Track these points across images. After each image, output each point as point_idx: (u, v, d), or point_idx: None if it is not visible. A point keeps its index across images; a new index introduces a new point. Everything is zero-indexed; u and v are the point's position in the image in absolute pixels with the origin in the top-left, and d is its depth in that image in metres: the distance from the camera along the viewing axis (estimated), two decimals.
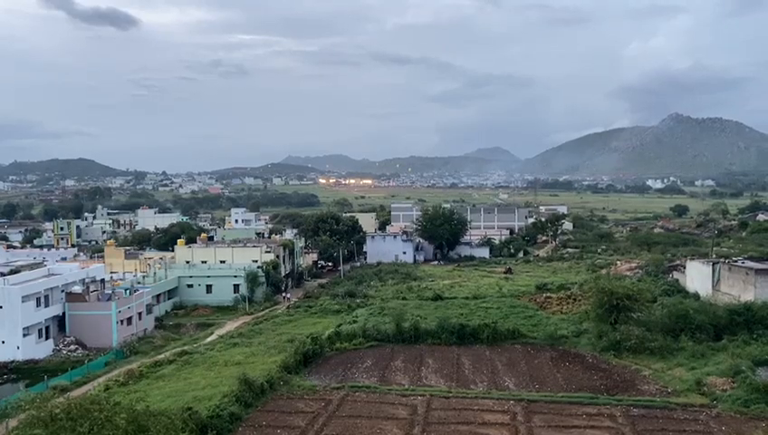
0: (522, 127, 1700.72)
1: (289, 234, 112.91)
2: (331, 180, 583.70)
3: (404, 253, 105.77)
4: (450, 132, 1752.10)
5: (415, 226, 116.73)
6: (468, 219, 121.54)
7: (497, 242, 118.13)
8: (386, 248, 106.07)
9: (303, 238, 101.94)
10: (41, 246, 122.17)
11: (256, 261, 77.26)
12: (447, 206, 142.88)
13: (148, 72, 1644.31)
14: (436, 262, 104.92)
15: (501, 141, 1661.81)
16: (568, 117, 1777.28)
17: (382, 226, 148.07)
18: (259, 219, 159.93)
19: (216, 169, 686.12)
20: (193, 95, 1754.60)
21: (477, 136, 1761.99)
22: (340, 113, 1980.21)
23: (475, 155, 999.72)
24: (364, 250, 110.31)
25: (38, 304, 53.61)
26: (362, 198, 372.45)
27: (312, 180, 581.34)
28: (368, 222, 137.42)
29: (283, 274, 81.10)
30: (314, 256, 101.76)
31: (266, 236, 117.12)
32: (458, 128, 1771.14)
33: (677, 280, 60.54)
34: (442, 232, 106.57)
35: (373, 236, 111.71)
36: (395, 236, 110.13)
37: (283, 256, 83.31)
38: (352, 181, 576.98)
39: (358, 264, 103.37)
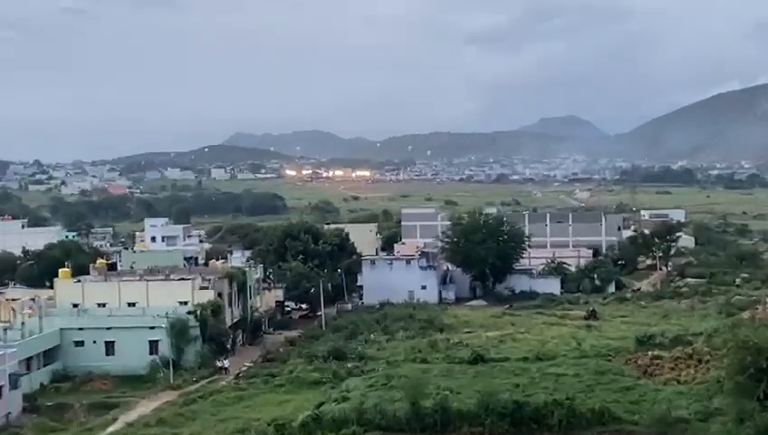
0: (612, 85, 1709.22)
1: (238, 258, 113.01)
2: (304, 171, 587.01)
3: (423, 287, 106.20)
4: (496, 94, 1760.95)
5: (440, 244, 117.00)
6: (526, 233, 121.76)
7: (573, 269, 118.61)
8: (394, 280, 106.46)
9: (262, 266, 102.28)
10: None
11: (186, 303, 77.39)
12: (493, 211, 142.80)
13: (15, 2, 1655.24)
14: (474, 301, 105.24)
15: (578, 108, 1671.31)
16: (686, 68, 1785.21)
17: (388, 243, 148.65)
18: (190, 235, 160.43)
19: (121, 155, 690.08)
20: (82, 39, 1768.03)
21: (541, 99, 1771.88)
22: (318, 66, 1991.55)
23: (536, 129, 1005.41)
24: (359, 283, 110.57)
25: None
26: (355, 199, 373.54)
27: (274, 172, 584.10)
28: (364, 238, 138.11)
29: (228, 322, 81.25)
30: (279, 294, 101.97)
31: (201, 262, 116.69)
32: (509, 87, 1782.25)
33: None
34: (484, 253, 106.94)
35: (373, 262, 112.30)
36: (408, 261, 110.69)
37: (230, 295, 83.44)
38: (339, 173, 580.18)
39: (349, 305, 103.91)
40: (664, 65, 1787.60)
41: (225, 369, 70.69)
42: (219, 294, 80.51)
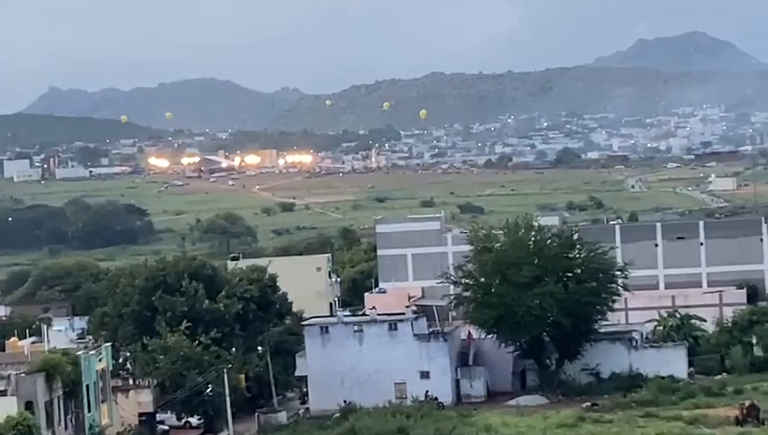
0: None
1: (63, 332, 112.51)
2: (186, 160, 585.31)
3: (424, 375, 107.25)
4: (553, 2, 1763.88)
5: (453, 289, 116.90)
6: (619, 261, 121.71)
7: (710, 328, 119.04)
8: (367, 363, 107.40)
9: (110, 346, 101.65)
10: None
11: None
12: (553, 222, 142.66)
13: None
14: (524, 397, 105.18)
15: (707, 20, 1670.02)
16: None
17: (353, 292, 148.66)
18: None
19: None
20: None
21: (637, 8, 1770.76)
22: None
23: (628, 62, 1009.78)
24: (298, 373, 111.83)
25: None
26: (287, 209, 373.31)
27: (126, 162, 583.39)
28: (306, 283, 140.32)
29: None
30: (145, 399, 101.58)
31: None
32: None
33: None
34: (539, 305, 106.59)
35: (326, 329, 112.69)
36: (393, 326, 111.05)
37: (49, 405, 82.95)
38: (253, 160, 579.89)
39: (282, 415, 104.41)
40: None
41: None
42: (29, 405, 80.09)
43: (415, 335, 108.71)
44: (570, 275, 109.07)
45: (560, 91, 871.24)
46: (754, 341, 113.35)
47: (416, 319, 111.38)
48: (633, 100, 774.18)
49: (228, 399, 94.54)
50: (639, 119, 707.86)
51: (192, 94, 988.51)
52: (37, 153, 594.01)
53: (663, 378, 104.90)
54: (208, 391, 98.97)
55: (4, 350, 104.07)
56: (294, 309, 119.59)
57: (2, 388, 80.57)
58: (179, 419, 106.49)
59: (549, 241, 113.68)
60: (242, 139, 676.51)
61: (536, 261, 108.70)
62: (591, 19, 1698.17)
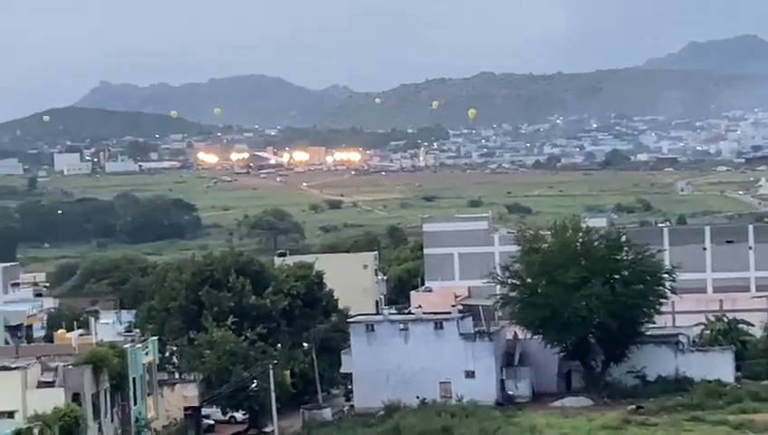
0: None
1: (110, 326, 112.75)
2: (234, 156, 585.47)
3: (469, 374, 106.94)
4: (603, 3, 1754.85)
5: (500, 289, 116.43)
6: (667, 263, 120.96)
7: (758, 334, 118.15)
8: (412, 362, 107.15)
9: (156, 340, 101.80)
10: None
11: (12, 414, 76.90)
12: (600, 224, 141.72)
13: None
14: (569, 398, 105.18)
15: (761, 23, 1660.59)
16: None
17: (399, 290, 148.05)
18: (16, 283, 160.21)
19: None
20: None
21: (688, 12, 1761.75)
22: None
23: (679, 65, 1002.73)
24: (344, 370, 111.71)
25: None
26: (335, 206, 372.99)
27: (176, 158, 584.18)
28: (352, 281, 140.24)
29: None
30: (191, 394, 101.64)
31: (40, 334, 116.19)
32: None
33: None
34: (586, 307, 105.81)
35: (371, 327, 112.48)
36: (439, 325, 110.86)
37: (96, 397, 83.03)
38: (302, 156, 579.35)
39: (327, 412, 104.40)
40: None
41: None
42: (76, 397, 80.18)
43: (460, 335, 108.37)
44: (617, 277, 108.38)
45: (609, 93, 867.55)
46: None
47: (462, 318, 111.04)
48: (683, 102, 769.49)
49: (273, 394, 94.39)
50: (689, 121, 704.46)
51: (241, 91, 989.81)
52: (88, 147, 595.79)
53: (710, 382, 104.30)
54: (254, 386, 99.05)
55: (52, 341, 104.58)
56: (340, 306, 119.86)
57: (50, 379, 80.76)
58: (224, 413, 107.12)
59: (596, 243, 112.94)
60: (291, 136, 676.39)
61: (583, 262, 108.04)
62: (642, 21, 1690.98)
